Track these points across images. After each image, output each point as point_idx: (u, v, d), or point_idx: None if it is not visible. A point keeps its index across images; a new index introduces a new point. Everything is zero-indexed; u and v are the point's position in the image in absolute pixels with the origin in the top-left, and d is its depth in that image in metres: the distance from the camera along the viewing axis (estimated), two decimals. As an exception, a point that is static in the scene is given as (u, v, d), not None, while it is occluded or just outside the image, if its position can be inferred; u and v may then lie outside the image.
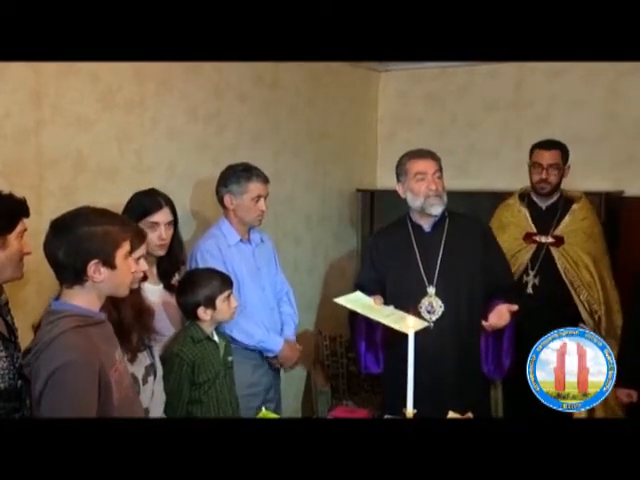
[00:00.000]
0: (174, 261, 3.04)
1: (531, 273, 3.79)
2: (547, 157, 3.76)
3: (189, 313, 2.85)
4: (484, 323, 3.00)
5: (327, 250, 4.96)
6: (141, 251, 2.43)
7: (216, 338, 2.90)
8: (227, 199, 3.29)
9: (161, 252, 2.93)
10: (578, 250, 3.74)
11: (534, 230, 3.83)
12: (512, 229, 3.85)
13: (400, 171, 3.18)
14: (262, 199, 3.31)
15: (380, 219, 5.06)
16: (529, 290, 3.79)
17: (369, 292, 3.09)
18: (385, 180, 5.32)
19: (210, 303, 2.81)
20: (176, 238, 3.02)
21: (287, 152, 4.47)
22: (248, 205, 3.28)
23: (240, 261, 3.29)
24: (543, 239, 3.80)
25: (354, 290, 3.12)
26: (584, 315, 3.70)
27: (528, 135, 4.80)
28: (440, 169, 3.13)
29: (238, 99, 4.03)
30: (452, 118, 5.13)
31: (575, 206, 3.81)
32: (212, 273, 2.92)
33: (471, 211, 3.79)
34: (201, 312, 2.81)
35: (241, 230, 3.35)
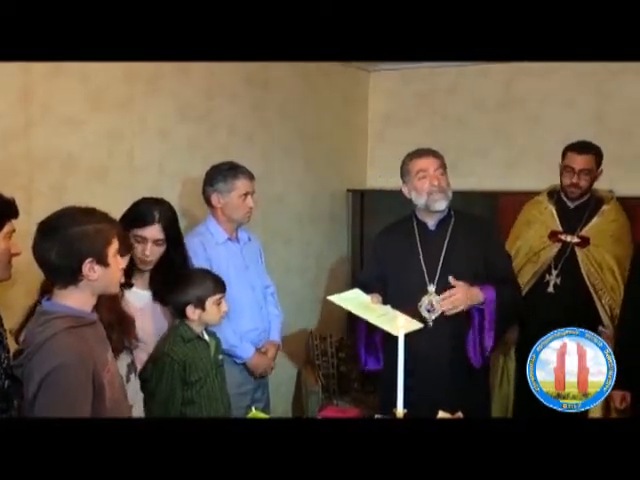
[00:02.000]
0: (167, 282, 2.89)
1: (554, 272, 3.72)
2: (580, 162, 3.64)
3: (178, 311, 2.85)
4: (451, 279, 2.97)
5: (317, 250, 4.96)
6: (125, 261, 2.41)
7: (206, 337, 2.91)
8: (214, 198, 3.28)
9: (144, 267, 2.86)
10: (604, 252, 3.66)
11: (560, 229, 3.75)
12: (538, 226, 3.80)
13: (403, 171, 3.19)
14: (249, 196, 3.30)
15: (370, 219, 5.06)
16: (550, 289, 3.72)
17: (371, 289, 3.08)
18: (375, 180, 5.33)
19: (200, 303, 2.81)
20: (174, 257, 2.92)
21: (277, 152, 4.46)
22: (236, 202, 3.27)
23: (228, 260, 3.28)
24: (569, 238, 3.71)
25: (352, 285, 3.12)
26: (605, 319, 3.61)
27: (518, 135, 4.83)
28: (442, 166, 3.12)
29: (229, 99, 4.03)
30: (442, 118, 5.13)
31: (605, 207, 3.73)
32: (206, 274, 2.92)
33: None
34: (189, 311, 2.81)
35: (229, 228, 3.34)
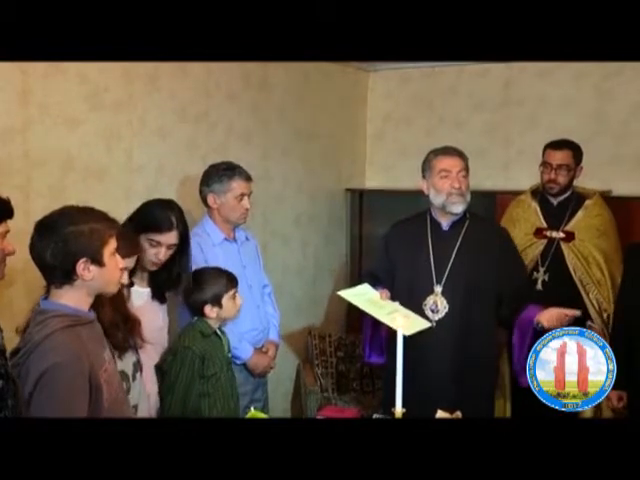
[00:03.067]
0: (171, 279, 2.93)
1: (541, 269, 3.72)
2: (557, 157, 3.68)
3: (196, 310, 2.92)
4: (537, 318, 2.91)
5: (316, 249, 4.96)
6: (129, 262, 2.42)
7: (219, 334, 2.97)
8: (210, 198, 3.28)
9: (152, 268, 2.87)
10: (590, 246, 3.67)
11: (544, 225, 3.77)
12: (522, 224, 3.81)
13: (425, 167, 3.16)
14: (246, 197, 3.30)
15: (369, 219, 5.07)
16: (538, 286, 3.71)
17: (379, 281, 3.11)
18: (374, 180, 5.33)
19: (216, 301, 2.89)
20: (182, 258, 2.93)
21: (276, 152, 4.46)
22: (232, 204, 3.27)
23: (225, 260, 3.27)
24: (554, 234, 3.73)
25: (351, 285, 3.12)
26: (592, 313, 3.61)
27: (516, 135, 4.83)
28: (466, 168, 3.10)
29: (227, 99, 4.03)
30: (440, 118, 5.13)
31: (588, 202, 3.75)
32: (219, 272, 2.98)
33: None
34: (208, 310, 2.88)
35: (226, 229, 3.34)
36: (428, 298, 3.08)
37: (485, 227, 3.21)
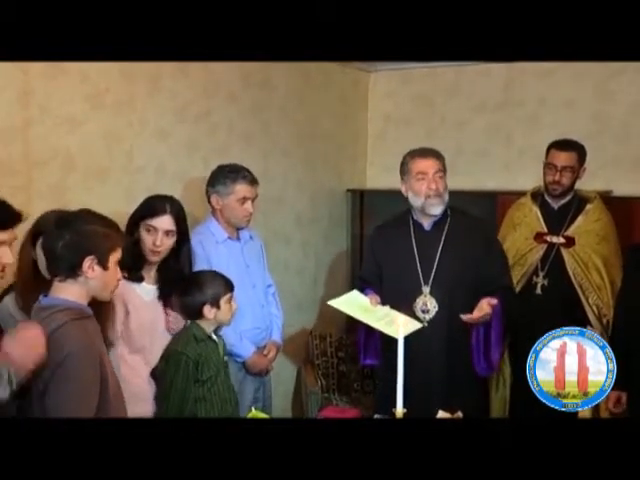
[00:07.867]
0: (172, 274, 2.94)
1: (541, 274, 3.71)
2: (562, 158, 3.63)
3: (194, 311, 2.90)
4: (462, 316, 2.95)
5: (317, 250, 4.96)
6: None
7: (214, 338, 2.96)
8: (214, 199, 3.29)
9: (153, 259, 2.88)
10: (589, 252, 3.64)
11: (545, 230, 3.74)
12: (523, 228, 3.79)
13: (403, 170, 3.19)
14: (249, 201, 3.29)
15: (370, 219, 5.06)
16: (538, 291, 3.71)
17: (370, 285, 3.13)
18: (375, 180, 5.33)
19: (215, 302, 2.87)
20: (181, 253, 2.96)
21: (277, 152, 4.46)
22: (233, 206, 3.27)
23: (228, 258, 3.28)
24: (554, 239, 3.70)
25: (352, 285, 3.13)
26: (592, 319, 3.59)
27: (517, 135, 4.83)
28: (442, 169, 3.11)
29: (228, 99, 4.03)
30: (441, 118, 5.13)
31: (589, 206, 3.71)
32: (216, 274, 2.97)
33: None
34: (207, 310, 2.87)
35: (229, 229, 3.34)
36: (417, 299, 3.10)
37: (468, 223, 3.22)
